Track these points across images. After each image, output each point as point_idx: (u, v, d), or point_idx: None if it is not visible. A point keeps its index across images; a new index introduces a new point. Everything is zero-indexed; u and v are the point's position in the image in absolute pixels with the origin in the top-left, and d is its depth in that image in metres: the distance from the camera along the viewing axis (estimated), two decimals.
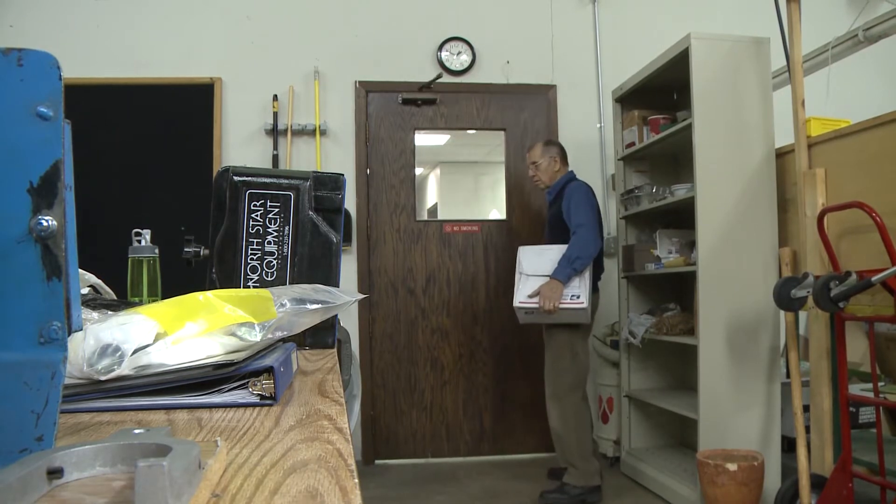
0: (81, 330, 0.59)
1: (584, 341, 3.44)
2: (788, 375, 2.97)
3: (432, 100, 4.23)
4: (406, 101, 4.23)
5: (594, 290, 3.43)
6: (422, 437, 4.23)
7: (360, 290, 4.14)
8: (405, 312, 4.24)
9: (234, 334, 0.76)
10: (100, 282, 1.28)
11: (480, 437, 4.25)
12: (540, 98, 4.34)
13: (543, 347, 3.52)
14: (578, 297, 3.26)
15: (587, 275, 3.30)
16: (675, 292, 3.88)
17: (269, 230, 1.19)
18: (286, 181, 1.20)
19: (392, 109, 4.23)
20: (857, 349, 3.25)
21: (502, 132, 4.37)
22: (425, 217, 4.37)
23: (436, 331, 4.26)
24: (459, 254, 4.28)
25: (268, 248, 1.19)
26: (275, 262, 1.19)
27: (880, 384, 2.63)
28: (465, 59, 4.34)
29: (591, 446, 3.40)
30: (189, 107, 4.16)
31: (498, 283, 4.25)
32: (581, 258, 3.28)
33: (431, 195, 9.55)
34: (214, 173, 1.21)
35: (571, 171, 3.64)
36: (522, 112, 4.35)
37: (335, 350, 1.16)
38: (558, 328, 3.38)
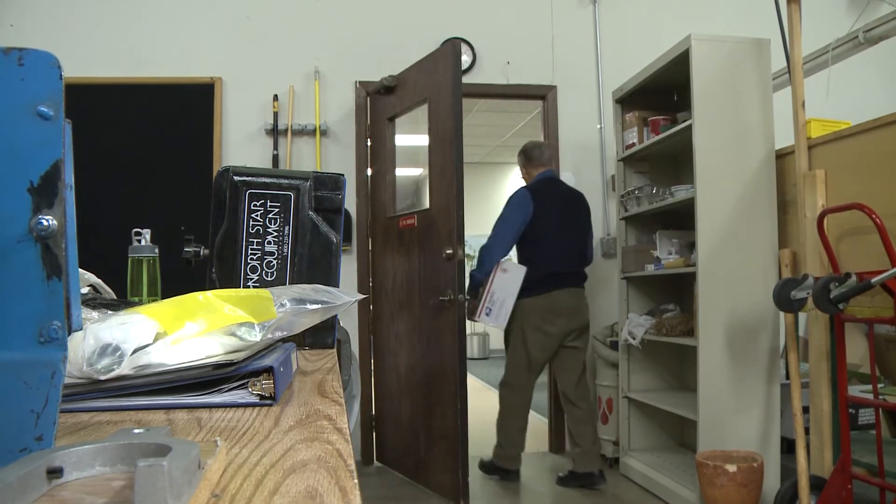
0: (81, 329, 0.59)
1: (531, 339, 3.62)
2: (788, 377, 2.97)
3: (391, 87, 3.94)
4: (378, 93, 4.05)
5: (531, 294, 3.59)
6: (393, 446, 4.00)
7: (360, 291, 4.14)
8: (384, 314, 4.04)
9: (233, 334, 0.76)
10: (100, 281, 1.28)
11: (418, 464, 3.73)
12: (445, 53, 3.55)
13: (450, 370, 3.44)
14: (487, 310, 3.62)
15: (487, 289, 3.58)
16: (674, 293, 3.88)
17: (269, 230, 1.19)
18: (286, 181, 1.20)
19: (382, 106, 4.12)
20: (857, 351, 3.25)
21: (426, 104, 3.69)
22: (395, 213, 4.03)
23: (396, 336, 3.91)
24: (406, 250, 3.81)
25: (268, 248, 1.19)
26: (275, 262, 1.19)
27: (880, 386, 2.64)
28: (466, 59, 4.34)
29: (516, 437, 3.70)
30: (189, 107, 4.16)
31: (426, 286, 3.63)
32: (472, 276, 3.66)
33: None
34: (214, 173, 1.21)
35: (540, 173, 3.76)
36: (437, 74, 3.57)
37: (335, 350, 1.16)
38: (509, 325, 3.66)
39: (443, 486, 3.52)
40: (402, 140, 4.28)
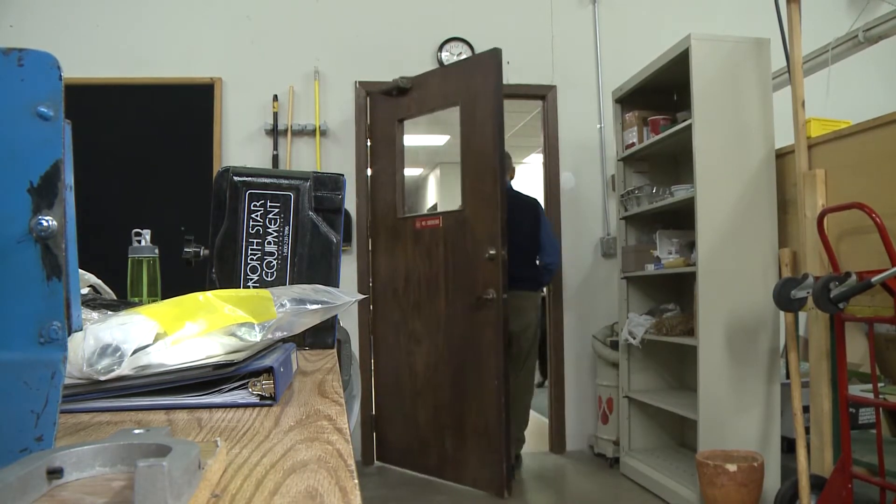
0: (81, 330, 0.59)
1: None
2: (788, 376, 2.97)
3: (405, 88, 3.97)
4: (387, 94, 4.06)
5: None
6: (404, 445, 4.02)
7: (360, 291, 4.14)
8: (391, 314, 4.05)
9: (234, 334, 0.76)
10: (100, 282, 1.28)
11: (444, 460, 3.79)
12: (486, 60, 3.67)
13: (492, 366, 3.57)
14: None
15: None
16: (674, 293, 3.88)
17: (269, 230, 1.19)
18: (286, 181, 1.20)
19: (385, 106, 4.13)
20: (857, 350, 3.25)
21: (457, 108, 3.80)
22: (406, 214, 4.09)
23: (411, 335, 3.94)
24: (427, 251, 3.87)
25: (268, 249, 1.19)
26: (275, 262, 1.19)
27: (880, 385, 2.63)
28: None
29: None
30: (189, 107, 4.16)
31: (456, 285, 3.72)
32: None
33: (431, 195, 9.55)
34: (214, 173, 1.21)
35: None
36: (472, 80, 3.68)
37: (335, 350, 1.16)
38: None
39: (479, 481, 3.61)
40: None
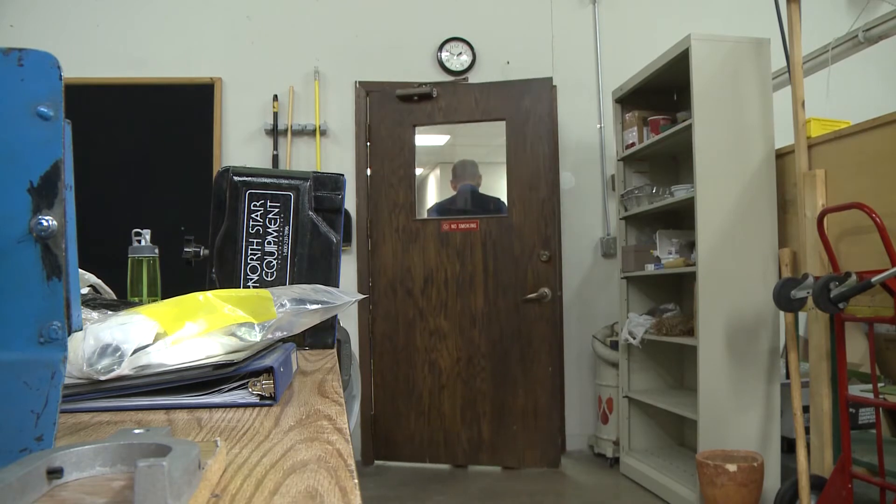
0: (81, 330, 0.59)
1: None
2: (788, 376, 2.97)
3: (429, 94, 4.07)
4: (402, 98, 4.11)
5: None
6: (419, 441, 4.09)
7: (360, 291, 4.14)
8: (403, 313, 4.12)
9: (233, 334, 0.76)
10: (100, 282, 1.28)
11: (479, 446, 4.02)
12: (540, 85, 4.02)
13: (545, 354, 3.92)
14: None
15: None
16: (674, 293, 3.88)
17: (269, 230, 1.19)
18: (286, 181, 1.20)
19: (391, 108, 4.15)
20: (857, 350, 3.25)
21: (503, 122, 4.06)
22: (424, 216, 4.21)
23: (433, 333, 4.08)
24: (457, 253, 4.06)
25: (268, 249, 1.19)
26: (275, 262, 1.19)
27: (880, 385, 2.64)
28: (465, 59, 4.34)
29: None
30: (189, 107, 4.16)
31: (497, 284, 4.00)
32: None
33: (431, 195, 9.55)
34: (214, 173, 1.21)
35: (461, 186, 4.31)
36: (523, 100, 4.01)
37: (335, 350, 1.16)
38: None
39: (527, 457, 3.98)
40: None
